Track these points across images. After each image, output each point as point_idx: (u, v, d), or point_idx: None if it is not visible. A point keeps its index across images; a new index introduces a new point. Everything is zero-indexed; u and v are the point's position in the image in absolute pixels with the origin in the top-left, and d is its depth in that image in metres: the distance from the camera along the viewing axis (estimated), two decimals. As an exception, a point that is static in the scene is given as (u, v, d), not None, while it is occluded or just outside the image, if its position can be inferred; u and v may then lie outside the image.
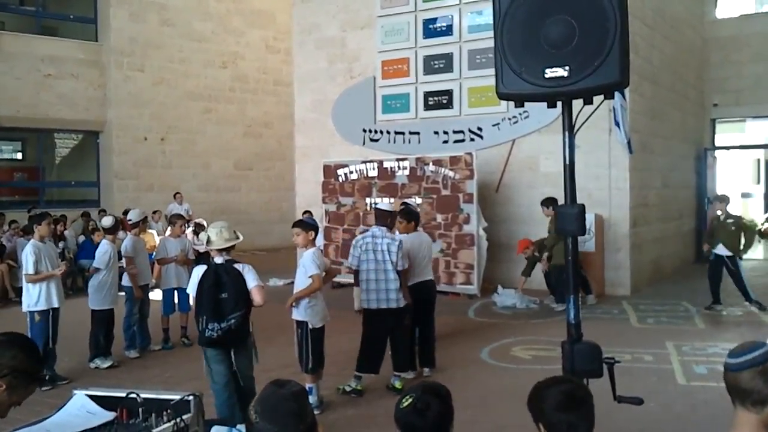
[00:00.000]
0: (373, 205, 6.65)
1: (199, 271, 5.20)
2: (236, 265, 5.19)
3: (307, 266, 5.93)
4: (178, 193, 16.15)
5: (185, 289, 8.56)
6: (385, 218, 6.57)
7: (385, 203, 6.93)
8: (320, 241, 11.38)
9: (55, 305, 7.01)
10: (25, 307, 7.01)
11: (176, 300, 8.61)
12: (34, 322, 6.91)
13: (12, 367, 2.19)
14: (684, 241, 15.16)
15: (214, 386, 5.23)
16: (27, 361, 2.25)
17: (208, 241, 5.25)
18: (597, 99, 3.17)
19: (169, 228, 9.32)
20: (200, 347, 5.30)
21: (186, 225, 9.01)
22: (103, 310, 7.64)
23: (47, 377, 6.65)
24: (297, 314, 6.00)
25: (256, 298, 5.14)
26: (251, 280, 5.16)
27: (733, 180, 22.03)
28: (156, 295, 8.74)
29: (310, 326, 5.96)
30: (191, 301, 5.31)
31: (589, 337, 3.28)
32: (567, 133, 3.20)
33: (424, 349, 7.10)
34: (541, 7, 3.03)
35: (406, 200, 9.26)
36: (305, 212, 11.90)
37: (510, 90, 3.14)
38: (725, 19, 16.65)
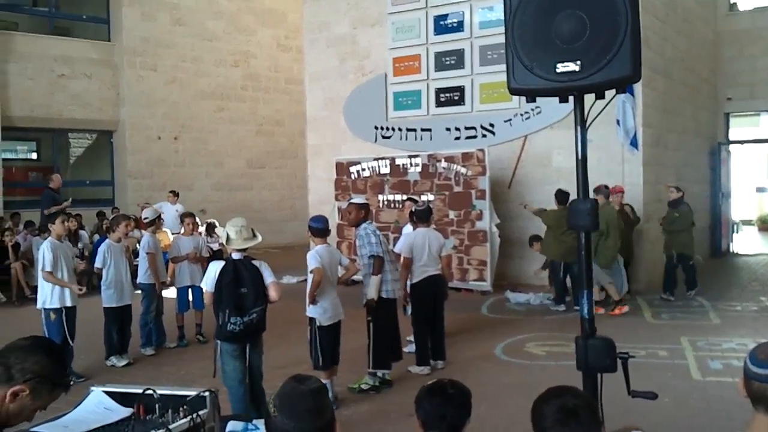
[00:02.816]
0: (349, 201, 6.94)
1: (217, 266, 5.24)
2: (253, 261, 5.32)
3: (308, 263, 5.99)
4: (172, 191, 15.28)
5: (200, 286, 8.68)
6: (366, 211, 6.68)
7: (358, 198, 7.00)
8: (334, 239, 11.41)
9: (69, 304, 7.06)
10: (39, 304, 7.09)
11: (190, 297, 8.67)
12: (50, 320, 6.97)
13: (35, 372, 2.16)
14: (698, 236, 15.05)
15: (230, 382, 5.26)
16: (50, 366, 2.21)
17: (228, 240, 5.31)
18: (609, 94, 3.16)
19: (182, 227, 9.38)
20: (214, 342, 5.36)
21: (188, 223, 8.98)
22: (112, 308, 7.66)
23: (72, 382, 6.71)
24: (309, 311, 6.05)
25: (272, 293, 5.27)
26: (267, 276, 5.28)
27: (747, 174, 21.91)
28: (170, 293, 8.80)
29: (317, 323, 6.00)
30: (206, 297, 5.36)
31: (603, 332, 3.28)
32: (579, 128, 3.20)
33: (435, 343, 7.15)
34: (551, 2, 3.02)
35: (412, 196, 9.34)
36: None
37: (521, 85, 3.13)
38: (738, 12, 16.52)
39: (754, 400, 2.13)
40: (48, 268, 6.98)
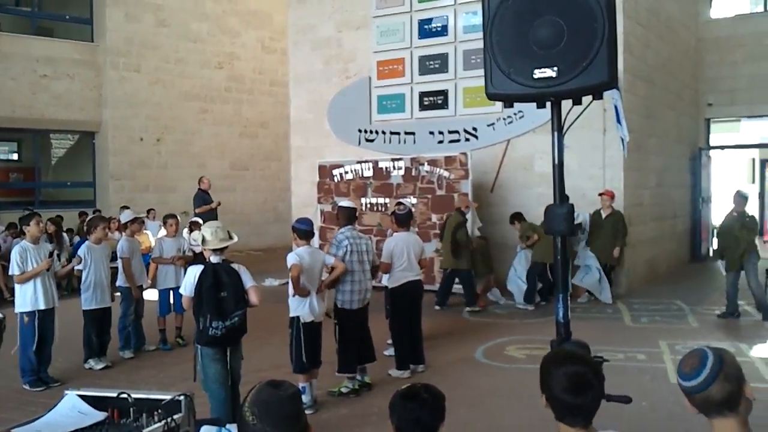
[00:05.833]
0: (337, 204, 7.06)
1: (196, 270, 5.16)
2: (232, 265, 5.27)
3: (288, 263, 6.01)
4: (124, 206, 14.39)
5: (182, 288, 8.63)
6: (353, 216, 6.72)
7: (346, 201, 7.07)
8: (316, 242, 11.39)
9: (41, 307, 6.89)
10: (16, 308, 6.97)
11: (172, 300, 8.60)
12: (23, 323, 6.87)
13: None
14: (678, 240, 15.20)
15: (212, 385, 5.18)
16: None
17: (204, 241, 5.25)
18: (586, 99, 3.19)
19: (163, 228, 9.34)
20: (194, 347, 5.30)
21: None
22: (91, 310, 7.56)
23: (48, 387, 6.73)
24: (292, 310, 6.05)
25: (253, 298, 5.22)
26: (247, 281, 5.25)
27: (727, 179, 22.11)
28: (151, 295, 8.74)
29: (301, 320, 5.99)
30: (185, 302, 5.29)
31: (582, 336, 3.30)
32: (556, 134, 3.23)
33: (414, 348, 7.16)
34: (529, 8, 3.05)
35: (401, 200, 9.36)
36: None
37: (499, 90, 3.16)
38: (720, 19, 16.69)
39: (704, 412, 2.13)
40: (16, 272, 6.86)
